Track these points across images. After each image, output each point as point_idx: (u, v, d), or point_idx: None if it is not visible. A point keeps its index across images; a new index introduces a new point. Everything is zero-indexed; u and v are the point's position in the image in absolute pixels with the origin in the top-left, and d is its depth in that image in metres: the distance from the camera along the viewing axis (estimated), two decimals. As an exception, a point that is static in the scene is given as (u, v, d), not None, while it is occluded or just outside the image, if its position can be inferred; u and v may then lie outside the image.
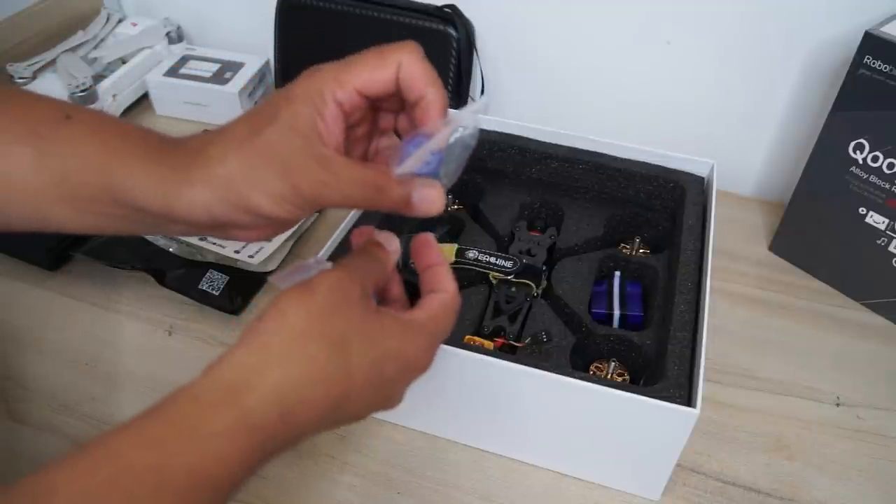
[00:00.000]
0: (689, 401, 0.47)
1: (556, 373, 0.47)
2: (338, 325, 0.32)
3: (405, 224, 0.61)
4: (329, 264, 0.36)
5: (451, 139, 0.35)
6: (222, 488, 0.28)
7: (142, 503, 0.26)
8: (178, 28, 0.98)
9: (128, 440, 0.27)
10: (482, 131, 0.50)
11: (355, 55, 0.35)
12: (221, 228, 0.35)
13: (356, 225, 0.60)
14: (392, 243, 0.39)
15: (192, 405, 0.28)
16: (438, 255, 0.39)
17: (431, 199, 0.35)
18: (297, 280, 0.33)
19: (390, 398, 0.36)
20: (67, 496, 0.25)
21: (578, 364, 0.55)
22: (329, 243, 0.56)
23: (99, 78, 0.91)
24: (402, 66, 0.34)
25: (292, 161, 0.32)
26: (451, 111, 0.35)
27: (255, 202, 0.32)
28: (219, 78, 0.91)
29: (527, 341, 0.55)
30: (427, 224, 0.62)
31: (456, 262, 0.59)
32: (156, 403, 0.29)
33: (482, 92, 0.86)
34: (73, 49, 0.94)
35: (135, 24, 0.97)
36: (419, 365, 0.36)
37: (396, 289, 0.41)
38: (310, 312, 0.31)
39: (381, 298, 0.40)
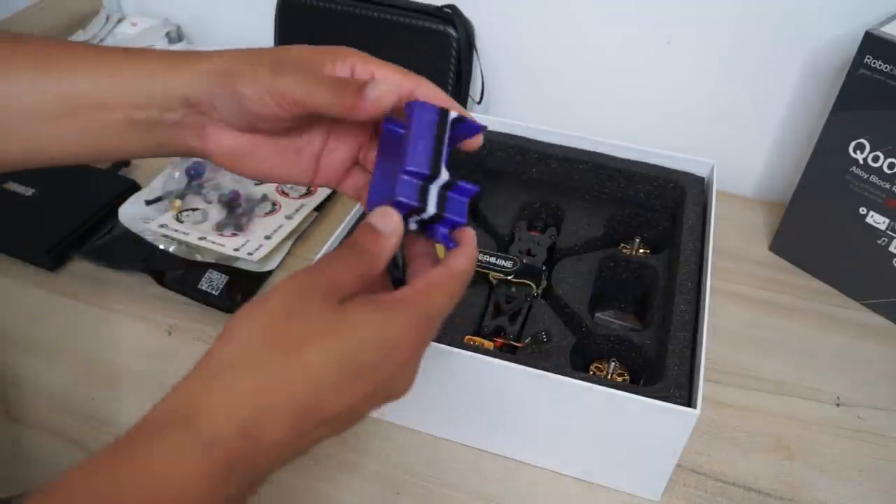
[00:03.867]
0: (689, 401, 0.47)
1: (556, 373, 0.47)
2: (290, 329, 0.29)
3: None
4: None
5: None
6: None
7: None
8: (178, 28, 0.98)
9: (82, 472, 0.27)
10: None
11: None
12: (204, 113, 0.37)
13: (356, 225, 0.60)
14: (388, 221, 0.34)
15: (141, 433, 0.28)
16: (431, 247, 0.38)
17: (380, 92, 0.34)
18: None
19: (389, 388, 0.32)
20: None
21: (578, 364, 0.55)
22: (329, 243, 0.56)
23: (99, 78, 0.91)
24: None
25: (282, 61, 0.36)
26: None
27: (241, 84, 0.35)
28: (219, 78, 0.91)
29: (527, 341, 0.55)
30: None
31: (456, 262, 0.59)
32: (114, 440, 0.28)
33: (482, 92, 0.86)
34: (73, 49, 0.94)
35: (135, 24, 0.97)
36: (404, 346, 0.31)
37: (382, 282, 0.37)
38: (259, 324, 0.30)
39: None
